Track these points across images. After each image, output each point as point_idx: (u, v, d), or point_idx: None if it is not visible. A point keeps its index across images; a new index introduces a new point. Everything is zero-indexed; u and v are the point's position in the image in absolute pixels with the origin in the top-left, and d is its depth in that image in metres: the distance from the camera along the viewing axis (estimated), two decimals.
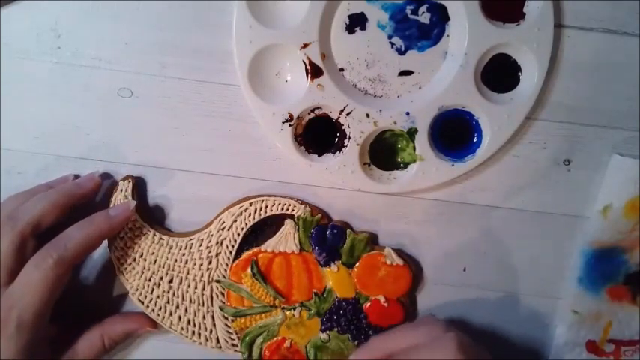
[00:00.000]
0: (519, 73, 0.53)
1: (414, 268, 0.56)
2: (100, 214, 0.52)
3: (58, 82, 0.53)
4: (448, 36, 0.52)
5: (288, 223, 0.55)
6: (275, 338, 0.57)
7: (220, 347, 0.57)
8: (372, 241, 0.56)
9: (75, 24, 0.52)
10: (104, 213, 0.52)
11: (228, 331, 0.57)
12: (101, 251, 0.57)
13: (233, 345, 0.57)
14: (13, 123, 0.54)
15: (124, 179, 0.55)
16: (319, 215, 0.55)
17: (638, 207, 0.54)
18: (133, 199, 0.54)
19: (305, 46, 0.51)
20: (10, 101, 0.54)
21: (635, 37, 0.52)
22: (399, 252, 0.56)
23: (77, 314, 0.55)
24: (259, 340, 0.57)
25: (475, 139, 0.54)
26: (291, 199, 0.55)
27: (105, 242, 0.55)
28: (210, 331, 0.57)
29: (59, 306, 0.51)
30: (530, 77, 0.52)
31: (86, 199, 0.53)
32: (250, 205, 0.55)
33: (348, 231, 0.55)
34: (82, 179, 0.54)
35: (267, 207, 0.55)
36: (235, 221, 0.55)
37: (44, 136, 0.55)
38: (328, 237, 0.55)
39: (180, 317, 0.56)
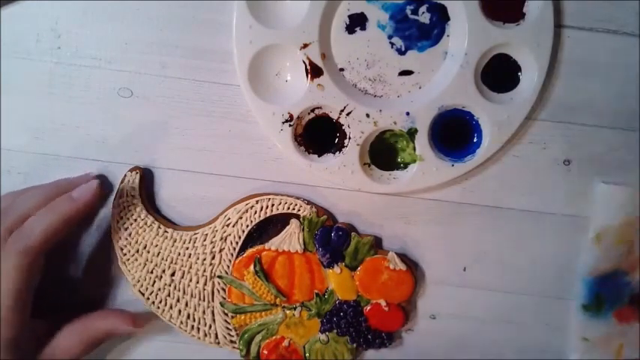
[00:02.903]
0: (519, 73, 0.53)
1: (416, 274, 0.56)
2: (62, 198, 0.50)
3: (58, 82, 0.53)
4: (448, 36, 0.52)
5: (294, 222, 0.55)
6: (274, 337, 0.57)
7: (219, 343, 0.57)
8: (376, 244, 0.56)
9: (75, 24, 0.52)
10: (67, 196, 0.51)
11: (227, 328, 0.57)
12: (93, 244, 0.57)
13: (232, 342, 0.57)
14: (13, 123, 0.54)
15: (131, 170, 0.55)
16: (325, 216, 0.55)
17: (629, 231, 0.55)
18: (140, 190, 0.55)
19: (305, 46, 0.51)
20: (10, 101, 0.54)
21: (635, 37, 0.52)
22: (403, 257, 0.56)
23: (69, 311, 0.55)
24: (258, 337, 0.57)
25: (475, 139, 0.54)
26: (298, 198, 0.55)
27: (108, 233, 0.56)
28: (210, 327, 0.57)
29: (49, 302, 0.50)
30: (530, 77, 0.52)
31: (87, 212, 0.52)
32: (257, 202, 0.55)
33: (353, 234, 0.55)
34: (77, 191, 0.52)
35: (273, 205, 0.55)
36: (241, 218, 0.55)
37: (44, 136, 0.54)
38: (333, 238, 0.55)
39: (180, 311, 0.57)
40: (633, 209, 0.54)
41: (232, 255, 0.56)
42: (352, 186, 0.54)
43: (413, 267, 0.56)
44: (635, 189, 0.54)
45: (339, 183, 0.54)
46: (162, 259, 0.56)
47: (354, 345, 0.57)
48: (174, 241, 0.56)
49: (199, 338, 0.57)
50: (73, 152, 0.55)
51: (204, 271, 0.56)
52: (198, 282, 0.56)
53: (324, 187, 0.56)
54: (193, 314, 0.57)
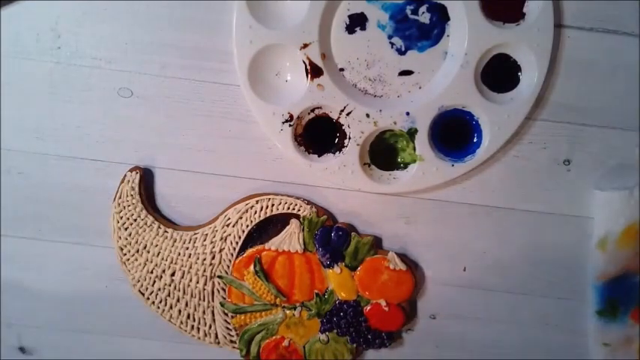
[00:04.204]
0: (519, 73, 0.53)
1: (416, 274, 0.56)
2: None
3: (58, 82, 0.53)
4: (448, 36, 0.52)
5: (294, 222, 0.55)
6: (274, 337, 0.57)
7: (219, 343, 0.57)
8: (376, 244, 0.56)
9: (75, 24, 0.52)
10: None
11: (227, 328, 0.57)
12: None
13: (232, 342, 0.57)
14: (13, 123, 0.54)
15: (131, 170, 0.55)
16: (325, 216, 0.55)
17: (632, 235, 0.55)
18: (140, 190, 0.54)
19: (305, 46, 0.51)
20: (10, 101, 0.54)
21: (635, 37, 0.52)
22: (403, 257, 0.56)
23: None
24: (258, 337, 0.57)
25: (475, 139, 0.54)
26: (298, 198, 0.55)
27: (109, 234, 0.56)
28: (210, 327, 0.57)
29: None
30: (530, 77, 0.52)
31: None
32: (257, 202, 0.55)
33: (353, 234, 0.55)
34: None
35: (273, 205, 0.55)
36: (241, 218, 0.55)
37: (44, 136, 0.55)
38: (333, 238, 0.55)
39: (180, 311, 0.57)
40: (633, 213, 0.54)
41: (232, 255, 0.56)
42: (352, 186, 0.54)
43: (413, 267, 0.56)
44: (633, 192, 0.54)
45: (339, 183, 0.54)
46: (163, 259, 0.56)
47: (354, 345, 0.57)
48: (175, 241, 0.56)
49: (199, 338, 0.57)
50: (73, 152, 0.55)
51: (204, 271, 0.56)
52: (198, 282, 0.56)
53: (324, 187, 0.56)
54: (193, 314, 0.57)
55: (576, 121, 0.54)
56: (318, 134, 0.54)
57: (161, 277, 0.56)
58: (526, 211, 0.56)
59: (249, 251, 0.56)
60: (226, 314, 0.57)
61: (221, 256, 0.56)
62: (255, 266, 0.55)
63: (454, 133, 0.54)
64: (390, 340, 0.57)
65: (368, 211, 0.56)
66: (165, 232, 0.56)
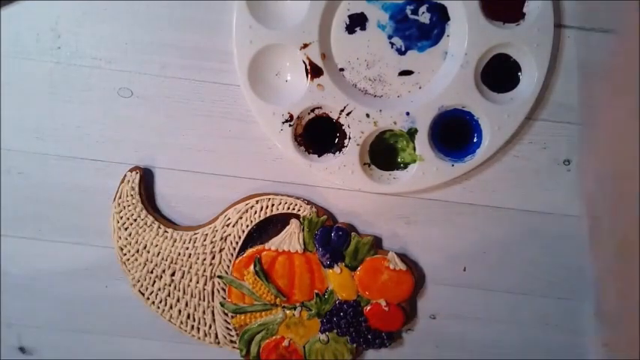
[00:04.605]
0: (519, 73, 0.53)
1: (416, 274, 0.56)
2: None
3: (58, 82, 0.53)
4: (448, 36, 0.52)
5: (294, 222, 0.55)
6: (274, 337, 0.57)
7: (219, 343, 0.57)
8: (376, 244, 0.56)
9: (75, 24, 0.52)
10: None
11: (227, 328, 0.57)
12: None
13: (232, 342, 0.57)
14: (13, 123, 0.54)
15: (131, 170, 0.55)
16: (325, 216, 0.55)
17: None
18: (140, 190, 0.54)
19: (305, 46, 0.51)
20: (10, 101, 0.54)
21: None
22: (403, 257, 0.56)
23: None
24: (258, 337, 0.57)
25: (475, 139, 0.54)
26: (298, 198, 0.55)
27: (109, 235, 0.56)
28: (210, 327, 0.57)
29: None
30: (530, 77, 0.52)
31: None
32: (257, 202, 0.55)
33: (353, 234, 0.55)
34: None
35: (273, 205, 0.55)
36: (241, 218, 0.55)
37: (44, 136, 0.55)
38: (333, 238, 0.55)
39: (180, 311, 0.57)
40: None
41: (232, 255, 0.56)
42: (352, 186, 0.54)
43: (413, 267, 0.56)
44: None
45: (339, 183, 0.54)
46: (163, 259, 0.56)
47: (354, 345, 0.57)
48: (175, 241, 0.56)
49: (199, 338, 0.57)
50: (73, 152, 0.55)
51: (204, 271, 0.56)
52: (198, 282, 0.56)
53: (324, 187, 0.56)
54: (193, 314, 0.57)
55: (576, 121, 0.54)
56: (318, 134, 0.54)
57: (161, 277, 0.56)
58: (526, 211, 0.56)
59: (249, 251, 0.55)
60: (226, 314, 0.57)
61: (221, 256, 0.56)
62: (255, 266, 0.55)
63: (454, 133, 0.54)
64: (390, 340, 0.57)
65: (368, 211, 0.56)
66: (165, 232, 0.56)
